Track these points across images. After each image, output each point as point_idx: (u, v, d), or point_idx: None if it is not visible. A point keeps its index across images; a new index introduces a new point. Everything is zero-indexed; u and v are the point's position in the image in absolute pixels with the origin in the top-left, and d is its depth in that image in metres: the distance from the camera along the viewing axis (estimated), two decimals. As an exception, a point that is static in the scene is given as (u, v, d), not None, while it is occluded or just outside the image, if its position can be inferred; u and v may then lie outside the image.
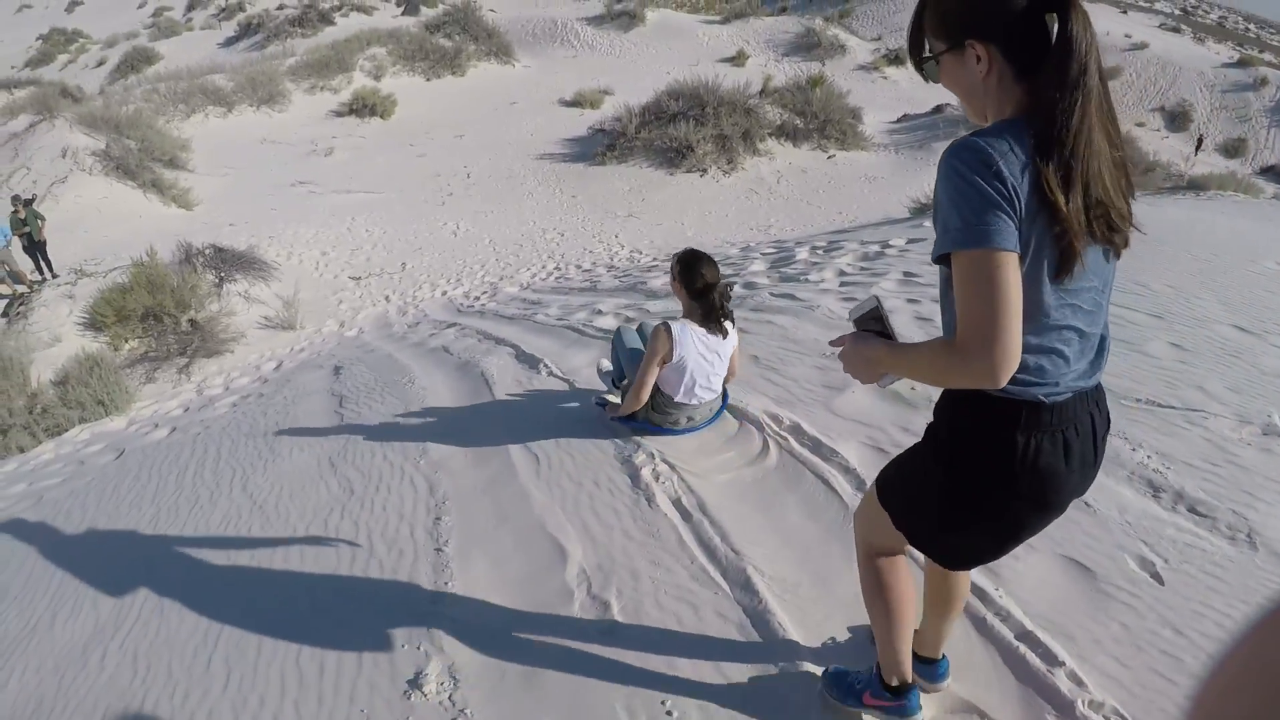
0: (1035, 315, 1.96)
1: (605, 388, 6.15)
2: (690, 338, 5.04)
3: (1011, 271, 1.83)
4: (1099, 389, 2.22)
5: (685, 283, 5.03)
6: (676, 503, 4.60)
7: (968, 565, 2.56)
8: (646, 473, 4.95)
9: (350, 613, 4.22)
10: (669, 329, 5.01)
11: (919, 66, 2.18)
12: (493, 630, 3.83)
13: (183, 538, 5.75)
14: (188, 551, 5.49)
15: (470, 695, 3.41)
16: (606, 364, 5.93)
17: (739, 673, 3.28)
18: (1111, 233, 1.98)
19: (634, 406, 5.29)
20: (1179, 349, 6.26)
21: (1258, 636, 0.69)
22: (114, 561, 5.72)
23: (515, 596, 4.05)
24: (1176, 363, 6.00)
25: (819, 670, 3.20)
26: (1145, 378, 5.70)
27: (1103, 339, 2.17)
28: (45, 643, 4.85)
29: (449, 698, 3.43)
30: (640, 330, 5.98)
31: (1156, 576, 3.58)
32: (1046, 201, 1.85)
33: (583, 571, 4.11)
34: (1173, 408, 5.22)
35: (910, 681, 2.82)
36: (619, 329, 5.86)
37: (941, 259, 1.96)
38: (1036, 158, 1.85)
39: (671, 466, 4.98)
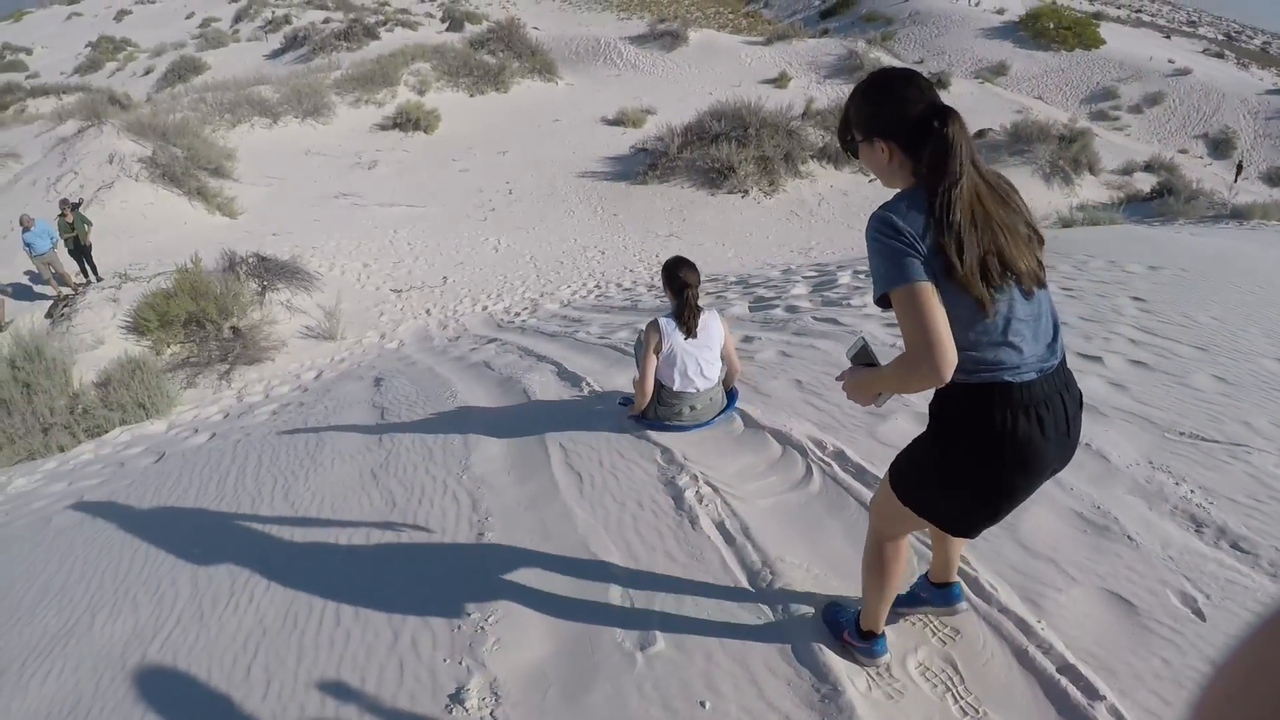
0: (974, 324, 2.50)
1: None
2: (672, 330, 5.73)
3: (929, 295, 2.40)
4: (1066, 374, 2.71)
5: (668, 283, 5.85)
6: (720, 526, 4.59)
7: (970, 532, 2.91)
8: (690, 495, 4.95)
9: (392, 625, 4.24)
10: (657, 323, 5.76)
11: (843, 146, 2.82)
12: (535, 648, 3.83)
13: (223, 544, 5.80)
14: (228, 558, 5.52)
15: (512, 712, 3.43)
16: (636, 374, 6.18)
17: (781, 697, 3.28)
18: (1010, 276, 2.52)
19: (643, 398, 5.89)
20: (1223, 382, 6.20)
21: (1261, 641, 0.69)
22: (154, 565, 5.75)
23: (558, 616, 4.06)
24: (1220, 396, 5.94)
25: (861, 694, 3.21)
26: (1189, 411, 5.66)
27: (1054, 323, 2.69)
28: (84, 643, 4.91)
29: (490, 714, 3.45)
30: None
31: (1198, 613, 3.56)
32: (948, 261, 2.44)
33: (626, 592, 4.12)
34: (1216, 442, 5.18)
35: (880, 632, 3.38)
36: (639, 338, 6.12)
37: (880, 301, 2.55)
38: (935, 231, 2.45)
39: (715, 489, 4.98)
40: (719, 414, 6.05)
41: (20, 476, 10.59)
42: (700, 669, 3.48)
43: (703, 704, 3.29)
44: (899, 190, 2.63)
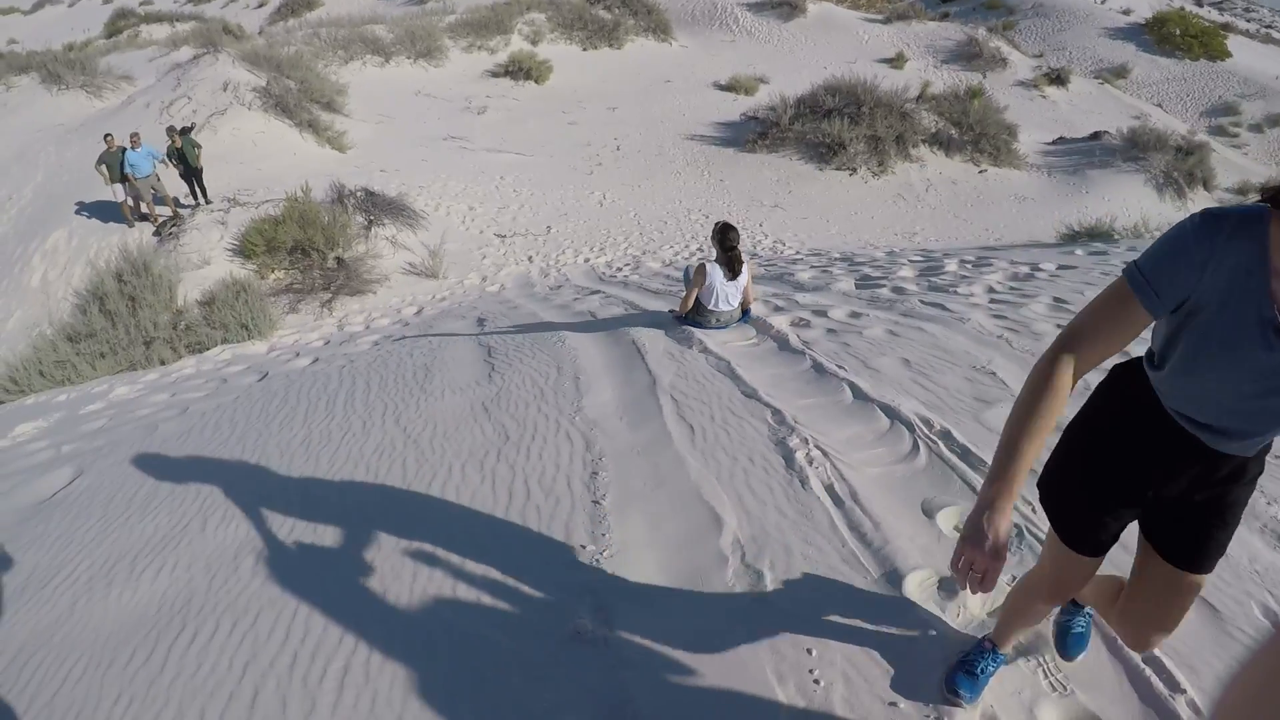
0: None
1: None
2: (717, 273, 8.36)
3: None
4: None
5: (718, 241, 8.56)
6: (829, 488, 4.68)
7: None
8: (800, 456, 5.05)
9: (509, 554, 4.41)
10: (704, 267, 8.41)
11: None
12: (649, 585, 3.99)
13: (336, 462, 6.00)
14: (342, 475, 5.73)
15: (626, 641, 3.59)
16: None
17: (886, 651, 3.40)
18: None
19: (685, 308, 8.66)
20: None
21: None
22: (266, 476, 6.00)
23: (671, 556, 4.20)
24: None
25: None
26: None
27: None
28: (197, 544, 5.12)
29: (605, 641, 3.61)
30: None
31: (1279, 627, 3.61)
32: None
33: (737, 541, 4.24)
34: None
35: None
36: (687, 271, 9.00)
37: None
38: None
39: (825, 454, 5.07)
40: (733, 324, 8.62)
41: (122, 385, 10.98)
42: (807, 619, 3.61)
43: (809, 651, 3.42)
44: None
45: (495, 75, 37.27)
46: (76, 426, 9.16)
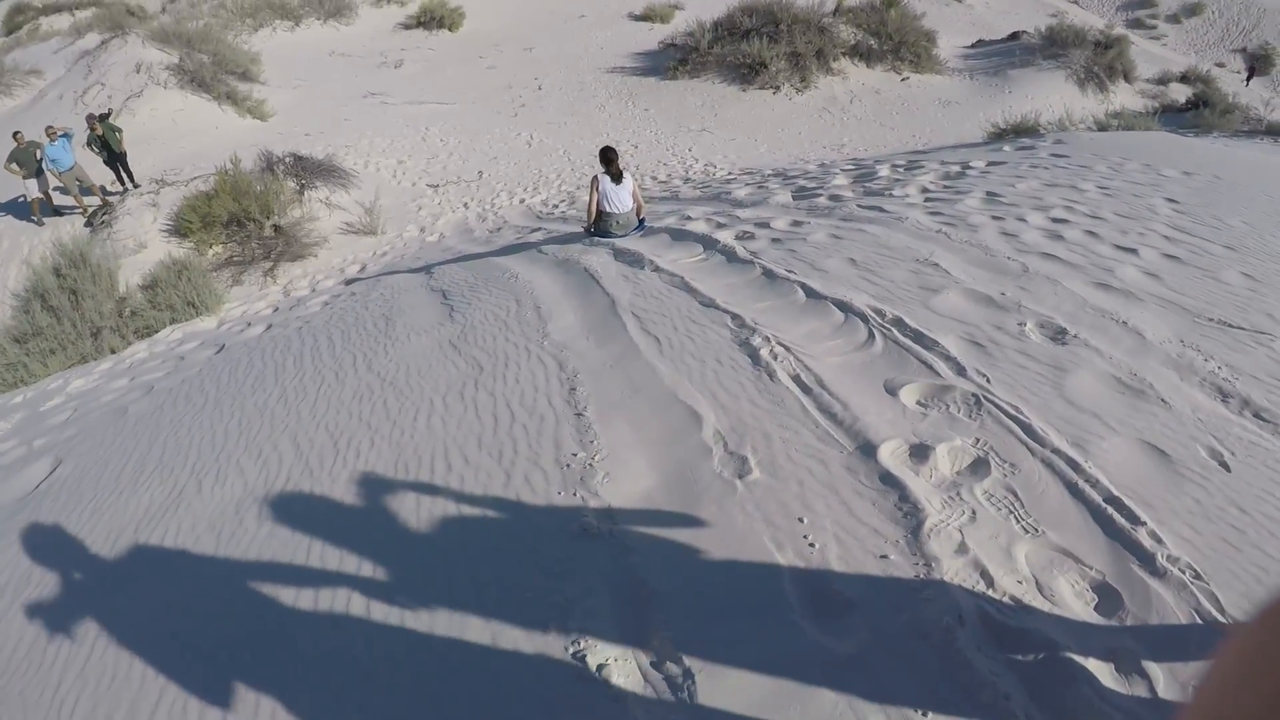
0: None
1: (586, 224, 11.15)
2: (605, 180, 10.38)
3: None
4: None
5: (601, 159, 10.53)
6: (796, 379, 4.94)
7: None
8: (765, 353, 5.30)
9: (502, 466, 4.60)
10: (596, 178, 10.46)
11: None
12: (642, 480, 4.22)
13: (318, 411, 6.14)
14: (324, 423, 5.87)
15: (631, 531, 3.83)
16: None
17: (868, 514, 3.67)
18: None
19: (590, 217, 10.58)
20: (1251, 279, 6.40)
21: (1261, 630, 0.71)
22: (250, 434, 6.12)
23: (658, 453, 4.42)
24: (1248, 291, 6.16)
25: (937, 511, 3.62)
26: (1218, 301, 5.88)
27: None
28: (196, 506, 5.26)
29: (610, 533, 3.84)
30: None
31: (1224, 465, 3.90)
32: None
33: (718, 433, 4.48)
34: (1242, 329, 5.45)
35: None
36: (590, 186, 10.65)
37: None
38: None
39: (787, 349, 5.33)
40: (634, 230, 10.53)
41: (77, 378, 10.93)
42: (795, 492, 3.87)
43: (801, 519, 3.68)
44: None
45: (408, 27, 37.04)
46: (41, 422, 9.12)
